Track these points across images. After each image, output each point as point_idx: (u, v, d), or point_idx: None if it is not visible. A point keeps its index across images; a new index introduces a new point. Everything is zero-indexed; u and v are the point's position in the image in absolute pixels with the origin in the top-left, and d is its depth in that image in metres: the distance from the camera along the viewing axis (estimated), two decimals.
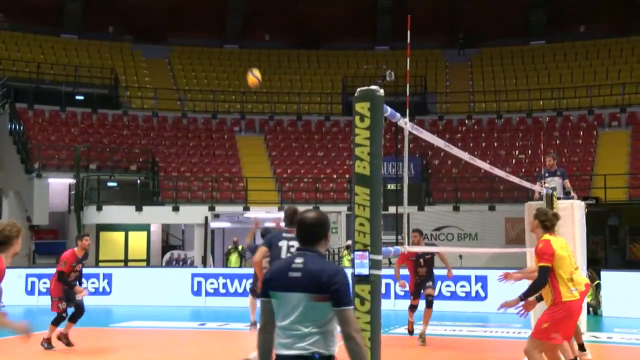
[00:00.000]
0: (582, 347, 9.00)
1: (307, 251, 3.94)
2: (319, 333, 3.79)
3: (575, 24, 32.89)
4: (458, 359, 10.62)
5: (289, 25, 34.40)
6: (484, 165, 9.03)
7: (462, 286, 16.02)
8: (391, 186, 19.33)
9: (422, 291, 11.41)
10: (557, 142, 26.33)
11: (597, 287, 15.02)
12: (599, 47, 31.20)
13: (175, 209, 23.02)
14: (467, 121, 29.09)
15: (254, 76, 8.47)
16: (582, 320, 11.26)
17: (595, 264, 17.34)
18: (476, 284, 15.82)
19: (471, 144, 26.71)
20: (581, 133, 27.15)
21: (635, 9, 31.83)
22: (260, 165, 26.64)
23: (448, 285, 15.82)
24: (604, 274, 15.05)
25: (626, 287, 14.71)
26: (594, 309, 14.83)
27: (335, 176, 25.70)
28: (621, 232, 21.12)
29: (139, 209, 22.66)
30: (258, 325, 4.07)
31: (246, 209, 23.88)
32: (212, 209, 23.42)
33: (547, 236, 6.67)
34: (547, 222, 6.76)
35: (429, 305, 11.22)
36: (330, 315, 3.81)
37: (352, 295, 4.53)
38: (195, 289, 17.99)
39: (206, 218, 23.20)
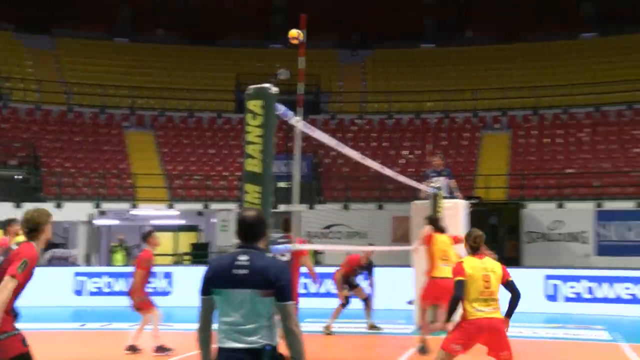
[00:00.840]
0: None
1: (250, 248, 4.03)
2: (267, 327, 3.92)
3: (463, 29, 34.08)
4: (342, 356, 10.80)
5: (181, 21, 33.86)
6: (374, 165, 9.24)
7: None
8: (282, 184, 19.42)
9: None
10: (444, 142, 27.25)
11: None
12: (485, 52, 32.49)
13: (58, 205, 22.17)
14: (358, 121, 29.61)
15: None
16: None
17: None
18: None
19: (362, 144, 27.20)
20: (466, 134, 28.22)
21: (520, 17, 33.34)
22: (149, 161, 26.09)
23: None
24: None
25: None
26: None
27: (226, 174, 25.54)
28: (500, 231, 22.13)
29: (18, 205, 21.67)
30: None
31: (134, 206, 23.32)
32: (97, 205, 22.73)
33: (464, 258, 6.97)
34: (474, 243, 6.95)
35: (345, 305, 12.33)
36: (274, 309, 3.95)
37: None
38: (78, 288, 17.41)
39: (90, 215, 22.51)
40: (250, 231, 4.07)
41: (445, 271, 9.39)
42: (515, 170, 25.26)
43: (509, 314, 6.76)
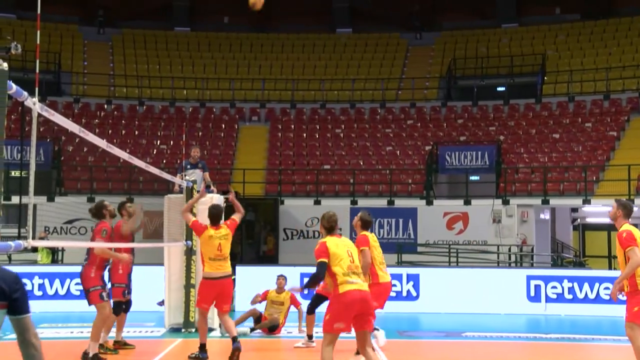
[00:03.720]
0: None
1: None
2: None
3: (216, 13, 34.00)
4: None
5: None
6: (123, 155, 8.99)
7: (78, 283, 15.62)
8: (15, 173, 18.14)
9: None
10: (200, 133, 27.24)
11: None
12: (242, 40, 32.94)
13: None
14: (106, 106, 28.61)
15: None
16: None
17: (232, 259, 18.27)
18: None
19: (110, 131, 26.33)
20: (223, 126, 28.46)
21: (274, 6, 34.08)
22: None
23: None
24: (239, 269, 15.94)
25: (258, 281, 15.74)
26: None
27: None
28: (257, 227, 22.63)
29: None
30: None
31: None
32: None
33: (325, 238, 7.65)
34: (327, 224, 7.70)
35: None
36: (1, 324, 3.74)
37: None
38: None
39: None
40: None
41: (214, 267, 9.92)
42: (273, 164, 25.96)
43: None
